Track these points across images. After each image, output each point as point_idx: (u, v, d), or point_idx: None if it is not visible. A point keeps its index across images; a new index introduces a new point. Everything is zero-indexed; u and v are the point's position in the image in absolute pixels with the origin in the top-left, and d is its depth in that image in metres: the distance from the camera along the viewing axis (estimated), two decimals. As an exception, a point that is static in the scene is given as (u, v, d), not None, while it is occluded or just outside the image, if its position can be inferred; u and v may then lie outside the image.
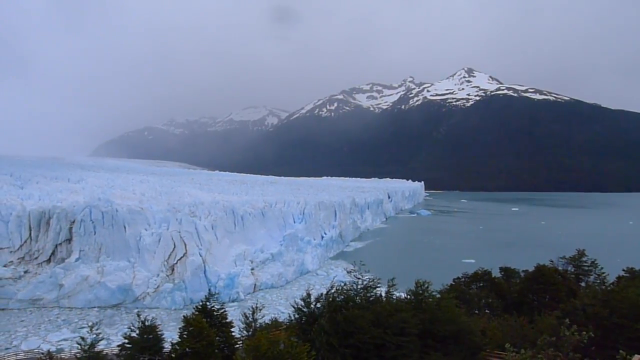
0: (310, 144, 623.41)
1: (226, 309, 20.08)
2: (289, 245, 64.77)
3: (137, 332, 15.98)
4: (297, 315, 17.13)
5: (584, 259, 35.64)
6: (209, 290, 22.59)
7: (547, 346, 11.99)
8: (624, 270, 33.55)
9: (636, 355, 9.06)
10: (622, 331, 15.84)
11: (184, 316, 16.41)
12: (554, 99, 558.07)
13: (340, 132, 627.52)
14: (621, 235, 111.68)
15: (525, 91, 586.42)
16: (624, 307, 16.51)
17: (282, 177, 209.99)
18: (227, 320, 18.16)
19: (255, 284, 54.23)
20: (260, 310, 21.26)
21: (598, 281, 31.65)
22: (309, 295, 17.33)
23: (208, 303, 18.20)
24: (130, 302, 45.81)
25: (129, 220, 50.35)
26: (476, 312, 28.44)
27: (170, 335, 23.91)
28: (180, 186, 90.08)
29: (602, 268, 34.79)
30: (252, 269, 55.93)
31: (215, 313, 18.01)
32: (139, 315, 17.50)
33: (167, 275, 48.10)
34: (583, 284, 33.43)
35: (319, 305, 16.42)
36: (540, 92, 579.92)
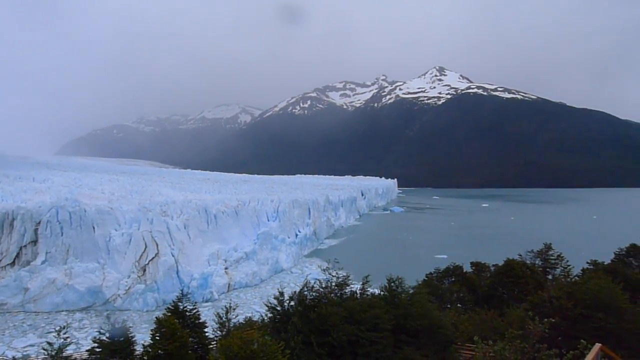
0: (284, 142, 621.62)
1: (199, 309, 19.88)
2: (263, 243, 64.52)
3: (107, 335, 15.66)
4: (270, 314, 17.09)
5: (550, 252, 36.75)
6: (182, 290, 22.28)
7: (515, 338, 12.28)
8: (588, 262, 34.71)
9: (597, 343, 9.38)
10: (586, 321, 16.41)
11: (156, 317, 16.15)
12: (522, 97, 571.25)
13: (313, 130, 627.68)
14: (586, 229, 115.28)
15: (495, 90, 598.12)
16: (587, 298, 17.11)
17: (256, 175, 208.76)
18: (201, 321, 17.96)
19: (229, 284, 53.83)
20: (234, 309, 21.11)
21: (564, 274, 32.62)
22: (282, 293, 17.28)
23: (180, 303, 17.97)
24: (100, 304, 44.81)
25: (98, 221, 49.22)
26: (448, 306, 28.97)
27: (142, 337, 23.52)
28: (151, 185, 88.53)
29: (567, 261, 35.91)
30: (226, 268, 55.49)
31: (188, 313, 17.79)
32: (109, 318, 17.15)
33: (139, 276, 47.25)
34: (550, 277, 34.39)
35: (292, 303, 16.40)
36: (509, 91, 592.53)
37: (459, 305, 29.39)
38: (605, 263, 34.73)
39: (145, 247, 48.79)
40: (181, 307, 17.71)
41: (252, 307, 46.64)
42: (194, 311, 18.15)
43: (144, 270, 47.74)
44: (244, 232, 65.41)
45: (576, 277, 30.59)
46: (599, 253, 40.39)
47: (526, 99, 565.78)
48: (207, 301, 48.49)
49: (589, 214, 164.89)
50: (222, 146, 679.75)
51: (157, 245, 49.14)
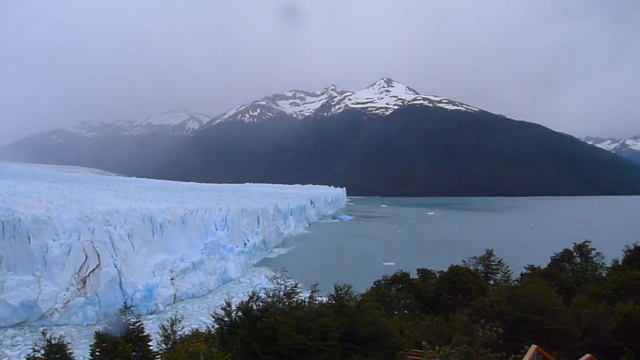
0: (233, 150, 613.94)
1: (144, 321, 19.20)
2: (211, 253, 63.24)
3: (42, 352, 14.83)
4: (217, 325, 16.77)
5: (492, 258, 38.27)
6: (125, 303, 21.46)
7: (460, 343, 12.64)
8: (526, 267, 36.44)
9: (533, 345, 9.85)
10: (524, 324, 17.20)
11: (96, 332, 15.46)
12: (464, 109, 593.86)
13: (263, 138, 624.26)
14: (524, 236, 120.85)
15: (439, 101, 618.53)
16: (525, 302, 17.95)
17: (204, 184, 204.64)
18: (144, 334, 17.37)
19: (175, 295, 52.29)
20: (180, 321, 20.55)
21: (504, 279, 34.04)
22: (229, 304, 17.01)
23: (123, 316, 17.30)
24: (35, 319, 42.25)
25: (34, 231, 46.53)
26: (395, 312, 29.48)
27: (82, 353, 22.41)
28: (93, 193, 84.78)
29: (507, 266, 37.49)
30: (172, 279, 53.91)
31: (130, 326, 17.15)
32: (44, 334, 16.24)
33: (78, 289, 45.00)
34: (491, 282, 35.80)
35: (240, 313, 16.18)
36: (453, 103, 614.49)
37: (405, 311, 29.97)
38: (541, 268, 36.54)
39: (86, 258, 46.58)
40: (124, 320, 17.06)
41: (199, 318, 45.53)
42: (138, 324, 17.52)
43: (84, 283, 45.54)
44: (191, 241, 63.86)
45: (515, 282, 32.00)
46: (536, 258, 42.45)
47: (469, 111, 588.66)
48: (152, 313, 46.87)
49: (527, 221, 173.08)
50: (169, 154, 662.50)
51: (98, 256, 47.06)
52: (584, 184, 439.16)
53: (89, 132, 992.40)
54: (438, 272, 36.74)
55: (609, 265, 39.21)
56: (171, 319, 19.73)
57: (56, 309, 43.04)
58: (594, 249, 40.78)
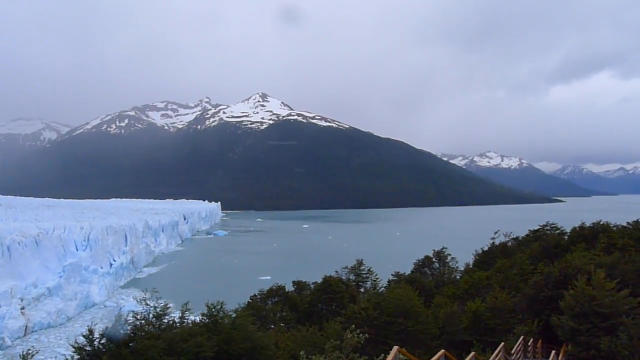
0: (98, 163, 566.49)
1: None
2: (71, 276, 57.50)
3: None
4: (78, 356, 15.26)
5: (362, 267, 40.43)
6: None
7: (332, 350, 13.08)
8: (392, 274, 39.11)
9: (395, 346, 10.57)
10: (390, 327, 18.41)
11: None
12: (336, 126, 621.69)
13: (131, 150, 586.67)
14: (391, 245, 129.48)
15: (313, 118, 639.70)
16: (391, 306, 19.27)
17: (63, 200, 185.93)
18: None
19: (27, 326, 46.51)
20: (33, 356, 18.29)
21: (373, 286, 36.15)
22: (92, 331, 15.58)
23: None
24: None
25: None
26: (272, 326, 29.56)
27: None
28: None
29: (376, 274, 39.90)
30: (23, 308, 47.87)
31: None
32: None
33: None
34: (362, 290, 37.73)
35: (104, 340, 14.93)
36: (325, 119, 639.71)
37: (282, 324, 30.20)
38: (406, 274, 39.51)
39: None
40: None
41: (57, 350, 41.04)
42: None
43: None
44: (46, 264, 57.42)
45: (383, 288, 34.14)
46: (401, 265, 45.74)
47: (340, 127, 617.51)
48: (-5, 349, 41.11)
49: (393, 231, 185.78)
50: (19, 166, 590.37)
51: None
52: (440, 196, 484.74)
53: None
54: (313, 283, 37.70)
55: (462, 269, 43.82)
56: (21, 355, 17.48)
57: None
58: (450, 254, 45.29)
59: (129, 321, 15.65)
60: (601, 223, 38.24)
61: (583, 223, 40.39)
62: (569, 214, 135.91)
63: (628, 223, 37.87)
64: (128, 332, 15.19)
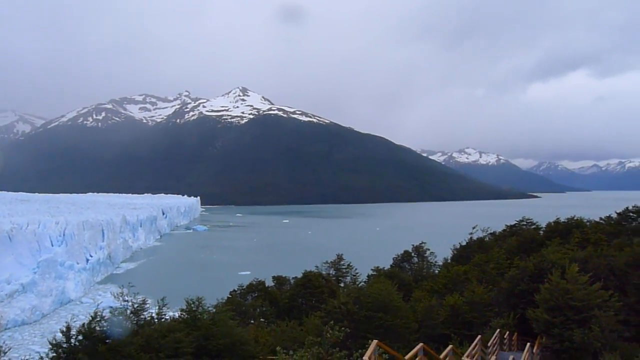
0: (74, 157, 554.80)
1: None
2: (46, 272, 56.39)
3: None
4: (54, 354, 15.00)
5: (342, 262, 40.59)
6: None
7: (312, 345, 13.11)
8: (372, 269, 39.36)
9: (374, 340, 10.66)
10: (369, 321, 18.56)
11: None
12: (317, 121, 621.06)
13: (109, 144, 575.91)
14: (371, 240, 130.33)
15: (294, 112, 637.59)
16: (370, 301, 19.41)
17: (37, 194, 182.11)
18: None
19: (-1, 323, 45.52)
20: (6, 353, 17.90)
21: (353, 281, 36.37)
22: (69, 327, 15.34)
23: None
24: None
25: None
26: (252, 321, 29.50)
27: None
28: None
29: (356, 269, 40.13)
30: (-6, 305, 46.85)
31: None
32: None
33: None
34: (342, 285, 37.88)
35: (80, 337, 14.70)
36: (306, 114, 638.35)
37: (261, 319, 30.16)
38: (385, 268, 39.79)
39: None
40: None
41: (31, 347, 40.28)
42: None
43: None
44: (20, 260, 56.22)
45: (363, 283, 34.36)
46: (381, 260, 46.08)
47: (321, 122, 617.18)
48: (-34, 347, 40.04)
49: (373, 226, 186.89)
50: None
51: None
52: (420, 191, 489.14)
53: None
54: (293, 278, 37.73)
55: (441, 263, 44.41)
56: (-7, 352, 17.09)
57: None
58: (429, 249, 45.86)
59: (106, 317, 15.44)
60: (575, 218, 39.11)
61: (558, 218, 41.24)
62: (544, 210, 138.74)
63: (601, 218, 38.82)
64: (105, 328, 14.99)
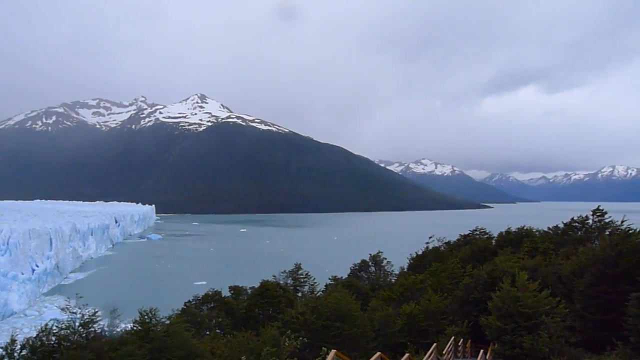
0: (20, 162, 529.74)
1: None
2: (-14, 283, 53.39)
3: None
4: (-6, 369, 14.15)
5: (300, 272, 40.42)
6: None
7: (269, 356, 12.98)
8: (330, 278, 39.44)
9: (332, 350, 10.66)
10: (327, 331, 18.55)
11: None
12: (276, 129, 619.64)
13: (59, 149, 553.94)
14: (329, 249, 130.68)
15: (253, 121, 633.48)
16: (328, 310, 19.43)
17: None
18: None
19: None
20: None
21: (310, 290, 36.28)
22: (13, 341, 14.54)
23: None
24: None
25: None
26: (207, 332, 28.88)
27: None
28: None
29: (314, 278, 40.05)
30: None
31: None
32: None
33: None
34: (300, 294, 37.73)
35: (25, 352, 13.95)
36: (265, 123, 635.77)
37: (218, 330, 29.58)
38: (343, 278, 39.98)
39: None
40: None
41: (-33, 364, 37.79)
42: None
43: None
44: (-43, 271, 53.01)
45: (320, 292, 34.34)
46: (339, 269, 46.24)
47: (280, 131, 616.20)
48: None
49: (331, 235, 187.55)
50: None
51: None
52: (377, 201, 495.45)
53: None
54: (250, 288, 37.27)
55: (397, 272, 45.04)
56: None
57: None
58: (386, 259, 46.43)
59: (53, 331, 14.73)
60: (525, 228, 40.66)
61: (509, 228, 42.73)
62: (497, 220, 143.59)
63: (549, 228, 40.47)
64: (51, 342, 14.29)
